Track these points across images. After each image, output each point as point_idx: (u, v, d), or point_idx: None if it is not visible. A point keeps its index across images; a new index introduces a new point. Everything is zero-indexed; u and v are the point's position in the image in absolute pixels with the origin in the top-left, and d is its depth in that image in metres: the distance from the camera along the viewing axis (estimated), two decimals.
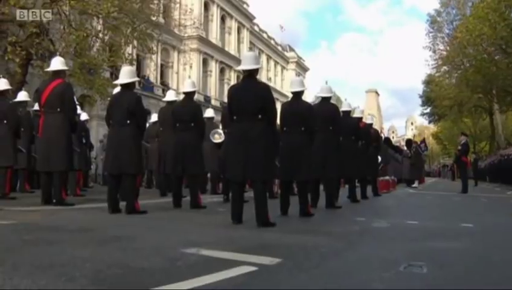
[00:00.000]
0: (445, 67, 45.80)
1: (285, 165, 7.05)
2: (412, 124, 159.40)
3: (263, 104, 5.79)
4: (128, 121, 6.61)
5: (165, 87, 46.22)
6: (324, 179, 8.97)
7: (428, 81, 54.82)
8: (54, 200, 7.37)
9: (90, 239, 4.42)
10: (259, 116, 5.76)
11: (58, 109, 7.38)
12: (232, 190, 5.96)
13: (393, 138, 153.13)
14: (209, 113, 12.11)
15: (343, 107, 10.69)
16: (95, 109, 35.37)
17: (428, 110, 63.70)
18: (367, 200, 11.22)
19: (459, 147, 17.62)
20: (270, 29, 72.12)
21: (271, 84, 71.07)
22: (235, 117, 5.94)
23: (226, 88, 55.27)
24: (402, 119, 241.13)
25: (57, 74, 7.61)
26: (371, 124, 13.14)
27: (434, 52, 46.47)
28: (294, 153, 7.07)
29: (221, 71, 54.58)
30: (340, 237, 5.11)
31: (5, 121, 8.62)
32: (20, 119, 10.04)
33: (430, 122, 70.13)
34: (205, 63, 50.72)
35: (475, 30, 29.71)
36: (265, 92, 5.94)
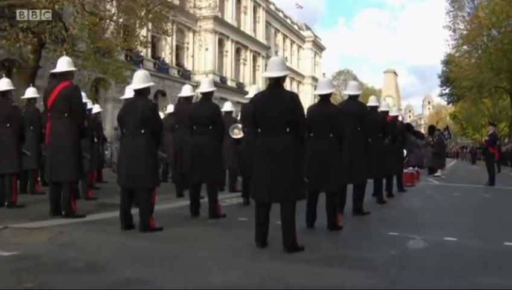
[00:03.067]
0: (465, 47, 44.68)
1: (312, 174, 6.33)
2: (429, 103, 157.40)
3: (292, 116, 5.21)
4: (142, 131, 6.04)
5: (180, 68, 45.74)
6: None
7: (448, 61, 53.73)
8: (63, 212, 6.88)
9: (97, 283, 3.92)
10: (287, 129, 5.19)
11: (66, 114, 6.86)
12: (257, 210, 5.38)
13: (410, 117, 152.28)
14: (227, 106, 11.53)
15: (370, 102, 10.09)
16: (109, 92, 35.07)
17: (447, 90, 62.78)
18: (393, 200, 10.66)
19: (487, 138, 16.96)
20: (287, 7, 71.08)
21: (287, 63, 70.21)
22: (259, 130, 5.36)
23: (242, 68, 54.78)
24: (420, 97, 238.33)
25: (64, 75, 7.07)
26: (397, 117, 12.50)
27: (454, 31, 45.33)
28: (322, 161, 6.51)
29: (237, 51, 53.75)
30: (378, 271, 4.57)
31: (8, 125, 8.08)
32: (30, 118, 9.63)
33: (448, 103, 69.14)
34: (221, 43, 49.94)
35: (502, 12, 28.65)
36: (294, 103, 5.33)
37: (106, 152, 20.47)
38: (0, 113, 8.11)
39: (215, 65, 48.20)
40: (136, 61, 32.11)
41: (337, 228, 6.70)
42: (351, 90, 8.35)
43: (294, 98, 5.41)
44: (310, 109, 6.92)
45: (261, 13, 58.99)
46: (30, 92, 9.98)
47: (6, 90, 8.24)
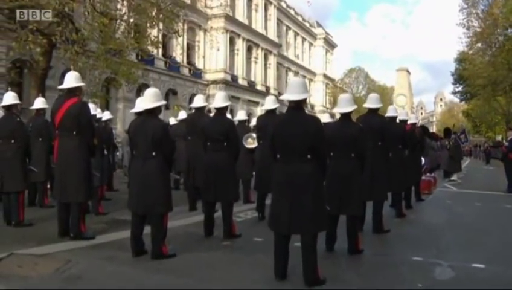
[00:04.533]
0: (479, 45, 44.10)
1: (333, 196, 6.02)
2: (441, 100, 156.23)
3: (314, 142, 4.87)
4: (153, 153, 5.70)
5: (192, 67, 45.46)
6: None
7: (461, 59, 53.09)
8: (72, 234, 6.59)
9: None
10: (308, 156, 4.84)
11: (74, 132, 6.55)
12: (276, 242, 5.05)
13: (421, 114, 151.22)
14: (241, 115, 11.18)
15: (389, 113, 9.70)
16: (120, 91, 34.87)
17: (460, 88, 62.15)
18: (412, 213, 10.30)
19: (506, 143, 16.51)
20: (298, 4, 70.63)
21: (298, 61, 69.99)
22: (278, 156, 5.02)
23: (253, 67, 54.46)
24: (432, 94, 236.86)
25: (72, 91, 6.75)
26: (415, 124, 12.13)
27: (468, 29, 44.71)
28: (343, 182, 6.17)
29: (248, 49, 53.37)
30: None
31: (12, 140, 7.76)
32: (39, 129, 9.37)
33: (461, 100, 68.48)
34: (232, 41, 49.59)
35: None
36: (316, 128, 4.96)
37: (117, 153, 20.14)
38: (5, 129, 7.82)
39: (227, 63, 47.88)
40: (147, 61, 31.87)
41: (358, 251, 6.39)
42: (371, 103, 7.99)
43: (316, 122, 5.04)
44: (331, 127, 6.60)
45: (272, 11, 58.60)
46: (38, 103, 9.65)
47: (11, 105, 7.92)
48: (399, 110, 12.05)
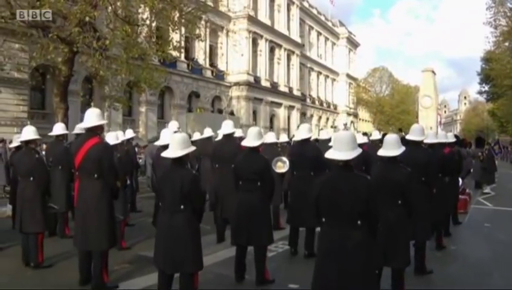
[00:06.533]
0: (506, 44, 43.11)
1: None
2: (465, 98, 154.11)
3: (365, 207, 4.27)
4: (182, 206, 5.12)
5: (214, 69, 45.08)
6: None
7: (488, 59, 51.93)
8: (92, 284, 6.10)
9: None
10: (358, 222, 4.25)
11: (95, 175, 6.05)
12: None
13: (445, 112, 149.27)
14: (270, 138, 10.58)
15: (429, 139, 8.94)
16: (143, 95, 34.54)
17: (486, 88, 61.01)
18: (452, 242, 9.66)
19: None
20: (320, 2, 69.91)
21: (321, 61, 69.28)
22: (324, 219, 4.44)
23: (276, 68, 53.98)
24: (456, 91, 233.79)
25: (92, 130, 6.23)
26: (453, 145, 11.35)
27: (495, 28, 43.66)
28: (388, 233, 5.58)
29: (271, 50, 52.87)
30: None
31: (31, 178, 7.24)
32: (59, 156, 8.93)
33: (488, 100, 67.22)
34: (254, 42, 49.12)
35: None
36: (369, 192, 4.33)
37: (140, 160, 19.75)
38: (23, 167, 7.35)
39: (249, 65, 47.43)
40: (170, 63, 31.45)
41: None
42: (415, 135, 7.37)
43: (368, 185, 4.39)
44: (375, 171, 5.97)
45: (294, 11, 58.05)
46: (58, 129, 9.13)
47: (30, 140, 7.40)
48: (440, 133, 11.23)
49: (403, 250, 5.76)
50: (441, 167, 8.83)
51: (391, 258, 5.66)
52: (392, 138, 5.98)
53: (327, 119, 72.31)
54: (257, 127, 7.29)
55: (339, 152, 4.35)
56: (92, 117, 6.19)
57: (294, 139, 9.61)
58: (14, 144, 9.13)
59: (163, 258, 5.25)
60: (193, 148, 5.43)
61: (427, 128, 39.75)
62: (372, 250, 4.41)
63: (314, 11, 66.88)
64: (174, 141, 5.29)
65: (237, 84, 46.78)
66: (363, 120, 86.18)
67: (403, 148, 5.82)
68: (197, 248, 5.31)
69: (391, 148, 5.78)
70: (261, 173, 6.53)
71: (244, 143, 6.82)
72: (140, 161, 20.01)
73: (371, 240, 4.37)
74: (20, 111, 25.19)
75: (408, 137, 7.51)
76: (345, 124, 16.54)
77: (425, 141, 8.59)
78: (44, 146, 15.60)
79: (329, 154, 4.41)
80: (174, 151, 5.24)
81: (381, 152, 5.84)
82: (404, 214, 5.73)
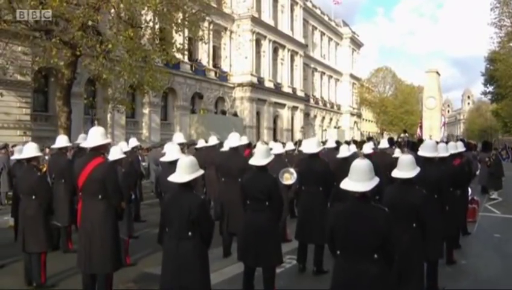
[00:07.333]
0: (511, 44, 42.96)
1: None
2: (468, 97, 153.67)
3: (382, 240, 4.07)
4: (189, 233, 4.88)
5: (217, 70, 44.90)
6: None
7: (492, 59, 51.62)
8: None
9: None
10: (375, 255, 4.05)
11: (100, 196, 5.86)
12: None
13: (448, 112, 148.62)
14: (278, 148, 10.36)
15: (441, 152, 8.64)
16: (146, 96, 34.41)
17: (490, 89, 60.72)
18: (462, 256, 9.37)
19: None
20: (324, 2, 69.68)
21: (325, 61, 69.01)
22: (338, 252, 4.24)
23: (280, 68, 53.76)
24: (460, 90, 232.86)
25: (96, 149, 6.05)
26: (462, 154, 11.08)
27: (500, 28, 43.46)
28: (403, 256, 5.34)
29: (275, 51, 52.62)
30: None
31: (33, 197, 6.99)
32: (62, 170, 8.75)
33: (492, 101, 66.90)
34: (258, 43, 48.89)
35: None
36: (387, 225, 4.14)
37: (143, 163, 19.54)
38: (25, 185, 7.13)
39: (253, 66, 47.23)
40: (173, 66, 31.28)
41: None
42: (428, 151, 7.17)
43: (386, 217, 4.18)
44: (388, 193, 5.76)
45: (298, 11, 57.79)
46: (61, 141, 8.91)
47: (31, 157, 7.17)
48: (450, 144, 10.92)
49: (417, 273, 5.57)
50: (453, 181, 8.63)
51: (405, 281, 5.46)
52: (407, 158, 5.74)
53: (330, 119, 72.09)
54: (265, 145, 7.10)
55: (356, 183, 4.14)
56: (96, 136, 5.99)
57: (303, 151, 9.40)
58: (16, 156, 8.95)
59: (170, 284, 5.05)
60: (201, 172, 5.19)
61: (430, 130, 39.74)
62: (389, 283, 4.22)
63: (318, 11, 66.60)
64: (182, 165, 5.06)
65: (240, 85, 46.58)
66: (366, 120, 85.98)
67: (418, 169, 5.60)
68: (205, 276, 5.10)
69: (406, 170, 5.55)
70: (269, 192, 6.30)
71: (251, 162, 6.57)
72: (144, 164, 19.81)
73: (388, 273, 4.18)
74: (23, 114, 25.04)
75: (420, 153, 7.31)
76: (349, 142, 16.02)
77: (438, 156, 8.37)
78: (47, 150, 15.53)
79: (345, 185, 4.19)
80: (181, 176, 5.01)
81: (396, 173, 5.61)
82: (418, 237, 5.53)
